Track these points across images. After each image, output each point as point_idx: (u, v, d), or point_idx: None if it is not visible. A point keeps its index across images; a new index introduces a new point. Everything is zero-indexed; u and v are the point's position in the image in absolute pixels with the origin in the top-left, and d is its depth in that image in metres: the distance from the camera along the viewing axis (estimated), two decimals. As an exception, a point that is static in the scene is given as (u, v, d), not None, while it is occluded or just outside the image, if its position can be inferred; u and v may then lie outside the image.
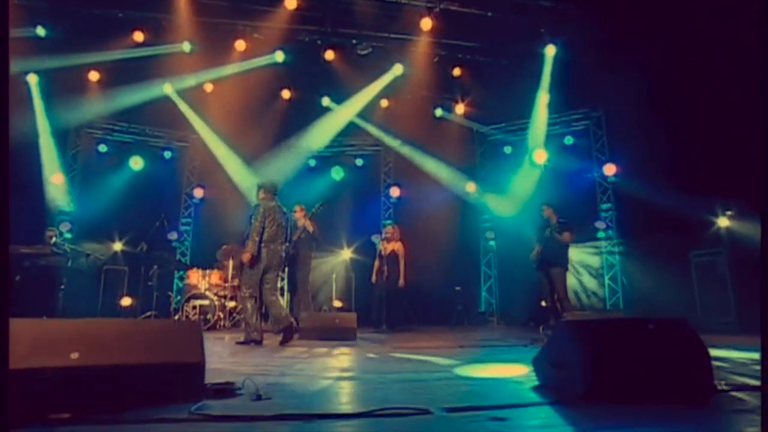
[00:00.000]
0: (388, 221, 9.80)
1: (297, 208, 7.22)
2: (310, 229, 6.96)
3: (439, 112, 10.10)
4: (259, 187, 5.39)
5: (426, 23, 8.22)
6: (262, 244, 5.01)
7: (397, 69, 9.21)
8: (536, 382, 2.68)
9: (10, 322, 1.80)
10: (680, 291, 7.28)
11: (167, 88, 9.42)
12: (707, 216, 7.39)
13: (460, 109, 9.94)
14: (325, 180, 10.12)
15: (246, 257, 4.99)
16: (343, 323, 5.92)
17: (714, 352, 2.53)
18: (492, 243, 9.23)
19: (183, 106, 9.36)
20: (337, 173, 10.16)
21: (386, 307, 7.27)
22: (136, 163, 9.49)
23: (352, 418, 1.89)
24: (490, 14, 8.43)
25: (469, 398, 2.36)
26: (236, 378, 2.49)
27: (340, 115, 9.62)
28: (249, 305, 5.03)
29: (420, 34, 8.63)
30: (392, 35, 8.94)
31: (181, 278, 9.62)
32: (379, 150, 10.27)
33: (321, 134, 9.66)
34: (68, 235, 8.71)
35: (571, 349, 2.49)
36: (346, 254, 9.88)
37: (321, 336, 5.72)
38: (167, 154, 9.82)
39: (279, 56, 8.89)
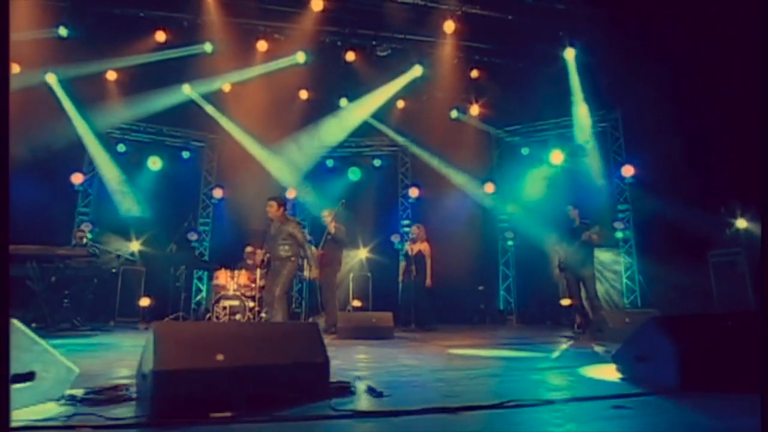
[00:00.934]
0: (406, 221, 9.90)
1: (325, 212, 7.31)
2: (332, 231, 7.05)
3: (454, 113, 10.21)
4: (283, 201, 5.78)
5: (449, 26, 8.33)
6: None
7: (416, 70, 9.29)
8: (620, 375, 2.80)
9: (165, 326, 1.85)
10: (698, 290, 7.48)
11: (186, 89, 9.42)
12: (725, 217, 7.62)
13: (475, 110, 10.06)
14: (342, 180, 10.18)
15: (315, 273, 5.97)
16: (381, 322, 6.01)
17: None
18: (510, 243, 9.36)
19: (208, 107, 9.36)
20: (353, 174, 10.23)
21: (415, 307, 7.36)
22: (155, 163, 9.46)
23: (489, 409, 1.98)
24: (510, 17, 8.59)
25: (575, 389, 2.46)
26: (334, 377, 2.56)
27: (357, 115, 9.68)
28: (282, 307, 5.21)
29: (441, 37, 8.74)
30: (411, 36, 9.05)
31: (200, 278, 9.63)
32: (396, 150, 10.36)
33: (337, 131, 9.71)
34: (89, 236, 8.65)
35: (660, 344, 2.61)
36: (363, 254, 9.95)
37: (358, 335, 5.80)
38: (185, 154, 9.79)
39: (300, 57, 8.93)
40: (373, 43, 9.13)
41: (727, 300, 7.24)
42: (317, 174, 10.13)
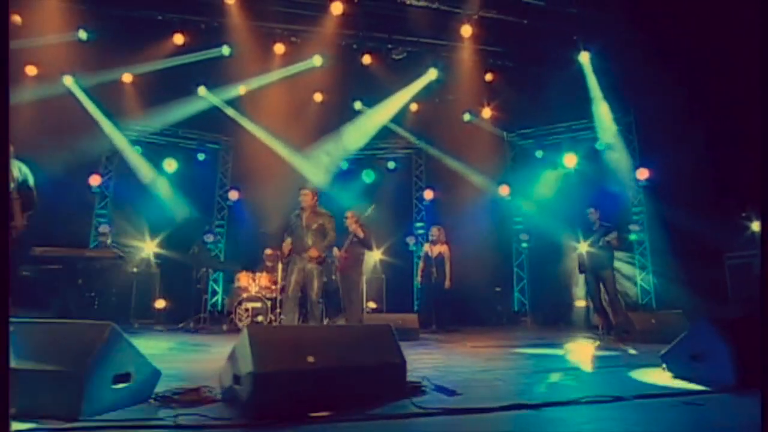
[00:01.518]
0: (420, 223, 9.97)
1: (348, 214, 7.35)
2: (360, 235, 7.09)
3: (467, 116, 10.28)
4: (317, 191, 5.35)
5: (467, 30, 8.41)
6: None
7: (431, 74, 9.37)
8: (671, 374, 2.87)
9: (258, 329, 1.91)
10: (714, 291, 7.59)
11: (202, 91, 9.47)
12: (741, 220, 7.73)
13: (486, 113, 10.15)
14: (356, 182, 10.24)
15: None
16: (406, 324, 6.08)
17: None
18: (525, 245, 9.44)
19: (228, 110, 9.41)
20: (368, 176, 10.29)
21: (435, 308, 7.43)
22: (170, 165, 9.49)
23: (568, 405, 2.05)
24: (525, 21, 8.69)
25: (638, 387, 2.53)
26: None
27: (377, 119, 9.75)
28: (317, 314, 5.21)
29: (458, 40, 8.81)
30: (427, 40, 9.11)
31: (215, 280, 9.66)
32: (410, 153, 10.42)
33: (358, 136, 9.78)
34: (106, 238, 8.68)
35: (715, 344, 2.68)
36: (377, 256, 9.99)
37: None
38: (201, 156, 9.82)
39: (317, 60, 8.98)
40: (389, 46, 9.19)
41: (743, 301, 7.34)
42: (332, 176, 10.19)
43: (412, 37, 9.07)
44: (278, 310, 7.31)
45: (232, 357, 2.09)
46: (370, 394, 2.12)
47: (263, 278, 7.55)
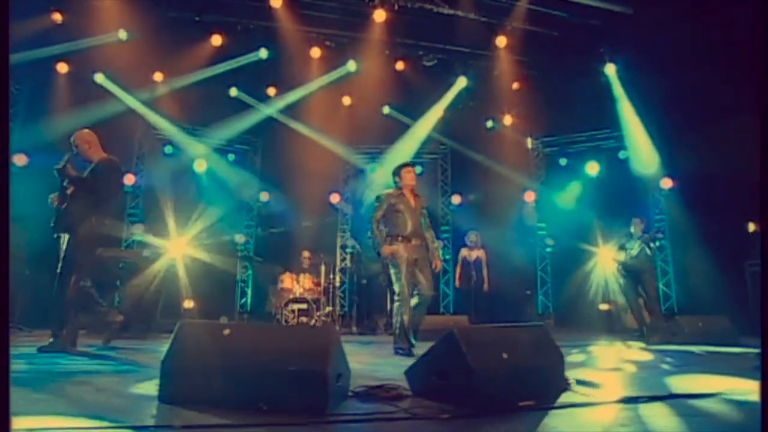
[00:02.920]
0: (446, 227, 10.18)
1: None
2: None
3: (490, 123, 10.56)
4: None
5: (501, 40, 8.68)
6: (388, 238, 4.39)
7: (461, 82, 9.62)
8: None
9: (465, 330, 2.08)
10: (735, 297, 7.98)
11: (233, 92, 9.54)
12: (762, 229, 8.12)
13: (508, 120, 10.45)
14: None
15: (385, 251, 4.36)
16: (458, 325, 6.27)
17: None
18: (549, 249, 9.75)
19: (267, 110, 9.52)
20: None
21: (475, 310, 7.65)
22: (201, 165, 9.51)
23: (706, 398, 2.29)
24: (556, 34, 9.01)
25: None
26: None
27: (418, 130, 9.96)
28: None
29: (491, 50, 9.07)
30: (459, 48, 9.34)
31: (244, 281, 9.70)
32: (437, 158, 10.63)
33: (408, 148, 9.98)
34: (138, 237, 8.66)
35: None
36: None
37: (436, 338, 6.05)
38: (231, 157, 9.86)
39: (351, 66, 9.13)
40: (420, 53, 9.40)
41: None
42: (360, 180, 10.34)
43: (443, 44, 9.30)
44: (322, 311, 7.45)
45: (432, 355, 2.26)
46: (546, 387, 2.31)
47: (306, 280, 7.66)
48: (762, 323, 1.76)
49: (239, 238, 9.29)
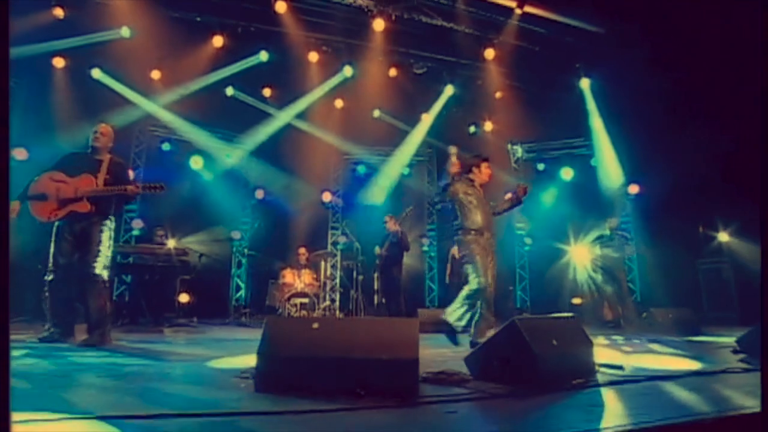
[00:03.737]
0: (432, 225, 10.79)
1: (387, 217, 8.07)
2: (400, 235, 7.84)
3: (472, 129, 11.22)
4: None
5: (489, 53, 9.30)
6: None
7: (449, 90, 10.21)
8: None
9: (524, 321, 2.64)
10: (689, 291, 9.01)
11: (229, 91, 9.72)
12: (711, 232, 9.23)
13: (488, 126, 11.15)
14: (372, 187, 10.87)
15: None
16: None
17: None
18: (527, 248, 10.54)
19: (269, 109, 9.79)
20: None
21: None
22: (197, 162, 9.66)
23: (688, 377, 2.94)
24: (538, 48, 9.73)
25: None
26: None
27: (415, 137, 10.48)
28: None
29: (478, 60, 9.68)
30: (448, 58, 9.91)
31: (239, 276, 9.94)
32: (423, 160, 11.19)
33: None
34: (136, 232, 8.78)
35: None
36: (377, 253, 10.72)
37: (438, 329, 6.61)
38: (227, 155, 10.05)
39: (348, 71, 9.51)
40: (411, 61, 9.90)
41: (714, 299, 8.83)
42: (349, 180, 10.76)
43: (434, 53, 9.85)
44: (322, 305, 7.88)
45: (493, 343, 2.79)
46: (581, 369, 2.90)
47: (306, 275, 8.06)
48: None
49: (235, 234, 9.52)
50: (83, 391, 2.40)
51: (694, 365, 3.47)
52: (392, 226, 7.95)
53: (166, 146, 9.41)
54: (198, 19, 8.70)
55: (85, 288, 4.34)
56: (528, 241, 10.50)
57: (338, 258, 9.85)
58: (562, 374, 2.66)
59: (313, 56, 9.27)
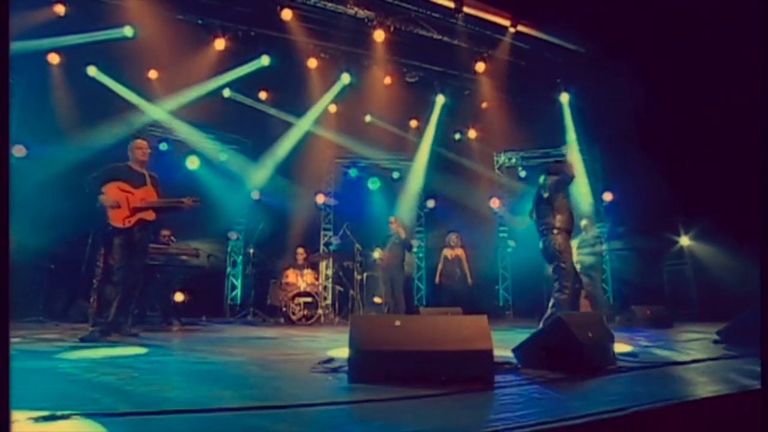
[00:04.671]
0: (420, 228, 11.27)
1: (392, 218, 8.48)
2: (403, 236, 8.27)
3: (457, 135, 11.81)
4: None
5: (480, 66, 9.86)
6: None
7: (440, 99, 10.72)
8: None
9: (569, 316, 3.12)
10: (655, 289, 9.93)
11: (226, 92, 9.83)
12: (673, 236, 10.19)
13: (473, 134, 11.77)
14: (363, 189, 11.25)
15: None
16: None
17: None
18: (509, 250, 11.21)
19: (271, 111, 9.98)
20: (373, 183, 11.35)
21: (455, 303, 8.78)
22: (193, 162, 9.72)
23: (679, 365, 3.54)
24: (523, 63, 10.39)
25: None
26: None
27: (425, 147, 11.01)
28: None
29: (469, 72, 10.23)
30: (439, 68, 10.42)
31: (234, 275, 10.08)
32: (413, 165, 11.64)
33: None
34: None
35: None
36: (378, 254, 11.12)
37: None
38: (222, 156, 10.14)
39: (345, 78, 9.84)
40: (404, 70, 10.34)
41: (676, 296, 9.78)
42: (341, 182, 11.09)
43: (427, 64, 10.33)
44: (323, 303, 8.19)
45: (540, 336, 3.26)
46: (607, 357, 3.41)
47: (308, 275, 8.35)
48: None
49: (232, 235, 9.66)
50: (193, 388, 2.71)
51: (692, 355, 4.08)
52: (396, 227, 8.35)
53: (163, 146, 9.42)
54: (200, 21, 8.81)
55: (133, 290, 4.61)
56: (511, 243, 11.16)
57: (330, 259, 10.16)
58: (598, 361, 3.17)
59: (312, 62, 9.52)
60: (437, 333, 2.82)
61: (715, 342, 4.70)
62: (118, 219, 4.54)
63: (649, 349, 4.51)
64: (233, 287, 10.01)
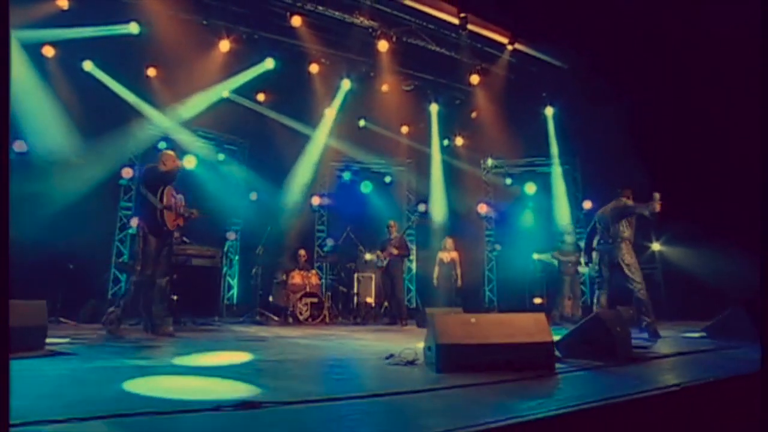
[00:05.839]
0: (411, 231, 11.64)
1: (391, 222, 8.82)
2: (396, 252, 8.61)
3: (446, 142, 12.29)
4: None
5: (474, 78, 10.36)
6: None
7: (434, 108, 11.16)
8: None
9: (606, 313, 3.57)
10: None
11: (225, 93, 9.88)
12: (645, 242, 11.04)
13: (459, 141, 12.29)
14: (356, 192, 11.54)
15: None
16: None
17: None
18: (495, 253, 11.77)
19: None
20: (365, 187, 11.65)
21: (450, 303, 9.21)
22: (190, 162, 9.69)
23: (684, 354, 4.10)
24: (513, 77, 10.99)
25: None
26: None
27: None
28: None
29: (462, 83, 10.72)
30: (431, 77, 10.86)
31: (230, 275, 10.11)
32: (403, 170, 12.03)
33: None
34: (132, 231, 8.71)
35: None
36: (368, 257, 11.43)
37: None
38: (221, 156, 10.15)
39: (346, 84, 10.11)
40: (401, 78, 10.72)
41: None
42: (335, 185, 11.33)
43: (422, 73, 10.74)
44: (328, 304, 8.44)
45: (579, 331, 3.70)
46: (629, 348, 3.89)
47: (313, 276, 8.56)
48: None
49: (230, 236, 9.71)
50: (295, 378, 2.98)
51: (693, 347, 4.65)
52: (396, 232, 8.69)
53: (162, 145, 9.35)
54: (204, 22, 8.84)
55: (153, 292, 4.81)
56: (497, 247, 11.73)
57: (326, 260, 10.40)
58: (625, 352, 3.65)
59: (315, 67, 9.74)
60: (506, 328, 3.21)
61: (703, 338, 5.32)
62: (171, 221, 4.73)
63: (646, 343, 5.08)
64: (230, 287, 10.05)
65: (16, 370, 1.52)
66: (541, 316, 3.41)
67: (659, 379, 2.93)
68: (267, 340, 5.22)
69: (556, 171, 11.63)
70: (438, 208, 11.51)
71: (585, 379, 3.00)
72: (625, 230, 6.28)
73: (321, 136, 10.80)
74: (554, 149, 11.56)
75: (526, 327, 3.25)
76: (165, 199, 4.85)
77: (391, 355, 3.62)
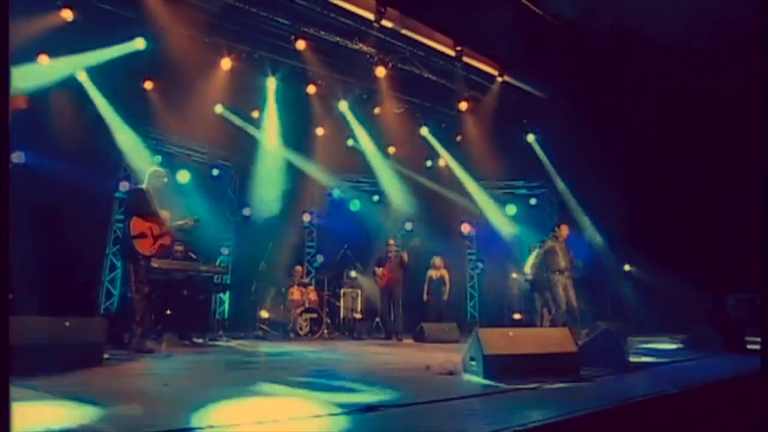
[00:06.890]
0: (397, 249, 11.99)
1: (390, 241, 9.15)
2: (406, 260, 8.95)
3: (429, 163, 12.82)
4: None
5: (463, 105, 10.94)
6: None
7: (423, 130, 11.67)
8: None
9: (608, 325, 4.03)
10: (600, 308, 11.46)
11: (218, 109, 10.01)
12: (618, 263, 11.86)
13: (442, 162, 12.84)
14: (345, 210, 11.82)
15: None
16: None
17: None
18: (477, 271, 12.28)
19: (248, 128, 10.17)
20: (354, 205, 11.96)
21: (439, 319, 9.57)
22: (183, 176, 9.73)
23: (679, 362, 4.63)
24: (498, 103, 11.66)
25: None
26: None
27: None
28: None
29: (450, 108, 11.28)
30: (419, 102, 11.39)
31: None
32: (390, 189, 12.39)
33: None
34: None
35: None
36: (354, 274, 11.68)
37: (436, 340, 7.86)
38: (215, 172, 10.21)
39: (342, 105, 10.46)
40: (393, 101, 11.18)
41: (618, 313, 11.37)
42: (325, 203, 11.59)
43: (415, 98, 11.24)
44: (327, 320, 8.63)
45: (591, 343, 4.13)
46: (629, 361, 4.36)
47: (312, 292, 8.74)
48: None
49: (224, 250, 9.75)
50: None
51: (680, 357, 5.18)
52: (393, 249, 9.02)
53: (156, 159, 9.35)
54: (206, 40, 9.01)
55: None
56: (480, 265, 12.25)
57: (314, 277, 10.58)
58: (628, 362, 4.12)
59: (311, 89, 10.04)
60: (539, 340, 3.64)
61: (683, 349, 5.91)
62: (145, 248, 4.94)
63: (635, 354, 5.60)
64: (221, 302, 10.03)
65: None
66: (566, 330, 3.85)
67: (673, 380, 3.39)
68: (293, 354, 5.41)
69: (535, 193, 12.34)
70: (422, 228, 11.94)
71: (609, 383, 3.42)
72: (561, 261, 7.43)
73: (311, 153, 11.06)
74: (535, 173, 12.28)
75: (555, 339, 3.68)
76: (133, 229, 4.93)
77: (428, 367, 3.93)
